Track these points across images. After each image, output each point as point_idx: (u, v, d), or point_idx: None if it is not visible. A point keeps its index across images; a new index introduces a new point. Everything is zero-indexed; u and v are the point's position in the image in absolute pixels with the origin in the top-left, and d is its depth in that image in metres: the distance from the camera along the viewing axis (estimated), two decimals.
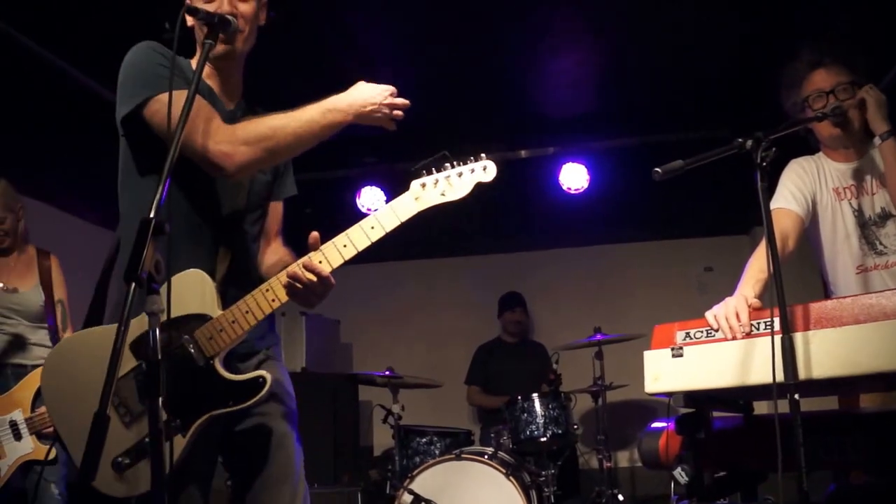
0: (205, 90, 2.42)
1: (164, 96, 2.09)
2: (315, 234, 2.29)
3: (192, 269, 2.31)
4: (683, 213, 7.37)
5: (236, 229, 2.46)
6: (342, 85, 2.48)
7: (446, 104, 5.84)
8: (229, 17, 2.28)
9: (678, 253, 8.02)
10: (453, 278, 8.25)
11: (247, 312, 2.27)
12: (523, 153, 6.91)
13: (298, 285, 2.25)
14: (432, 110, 5.97)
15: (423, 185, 2.31)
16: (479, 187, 2.33)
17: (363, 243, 2.28)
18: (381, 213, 2.31)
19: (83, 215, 6.71)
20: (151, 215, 1.63)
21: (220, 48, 2.33)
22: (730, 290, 2.69)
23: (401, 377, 5.47)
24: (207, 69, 2.43)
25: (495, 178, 2.32)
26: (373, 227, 2.28)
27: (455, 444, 5.26)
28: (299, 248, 2.43)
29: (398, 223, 2.30)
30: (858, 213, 3.12)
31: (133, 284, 1.47)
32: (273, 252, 2.66)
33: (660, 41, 5.18)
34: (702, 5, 4.75)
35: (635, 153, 6.59)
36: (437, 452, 5.16)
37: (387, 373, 5.46)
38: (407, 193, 2.32)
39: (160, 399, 1.46)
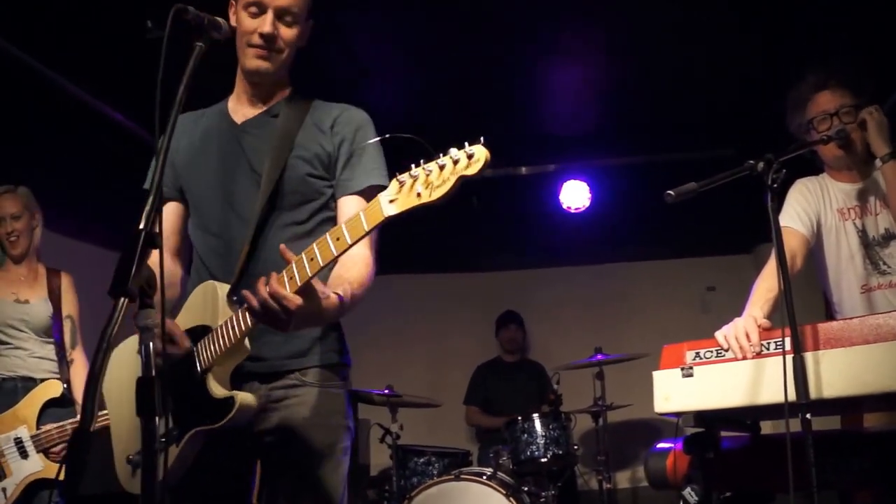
0: (215, 114, 2.50)
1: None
2: (282, 246, 2.04)
3: (210, 281, 2.28)
4: (685, 232, 7.35)
5: (263, 231, 2.32)
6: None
7: (447, 117, 5.82)
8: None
9: (680, 272, 7.98)
10: (453, 296, 8.20)
11: (232, 327, 2.12)
12: (524, 170, 6.89)
13: (254, 312, 2.00)
14: (432, 124, 5.95)
15: (401, 185, 1.84)
16: (464, 182, 1.79)
17: (328, 257, 1.94)
18: (350, 220, 1.93)
19: (89, 239, 6.63)
20: (141, 226, 1.52)
21: (253, 63, 2.33)
22: (733, 309, 2.69)
23: (400, 396, 5.42)
24: (239, 83, 2.47)
25: (481, 171, 1.76)
26: (338, 239, 1.93)
27: (453, 464, 5.20)
28: None
29: (363, 233, 1.91)
30: (862, 233, 3.14)
31: (123, 299, 1.38)
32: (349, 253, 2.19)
33: (663, 60, 5.19)
34: (705, 25, 4.76)
35: (637, 172, 6.57)
36: (434, 473, 5.10)
37: (386, 391, 5.40)
38: (382, 195, 1.88)
39: (157, 416, 1.39)
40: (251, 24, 2.30)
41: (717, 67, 5.26)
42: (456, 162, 1.76)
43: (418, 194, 1.79)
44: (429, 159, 1.81)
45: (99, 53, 4.51)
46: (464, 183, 1.80)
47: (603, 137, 6.33)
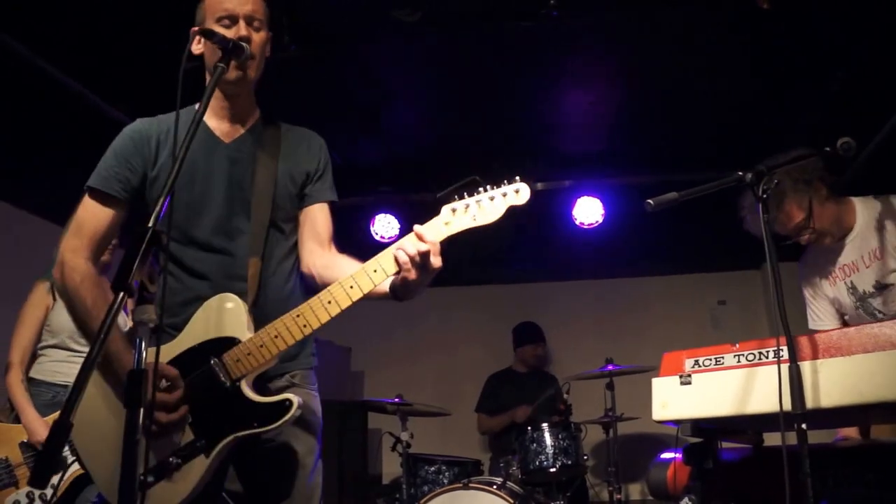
0: (201, 134, 2.54)
1: (94, 194, 2.44)
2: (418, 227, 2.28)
3: (226, 293, 2.38)
4: (696, 248, 7.35)
5: (263, 247, 2.49)
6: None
7: (463, 136, 5.87)
8: (243, 44, 2.38)
9: (691, 287, 7.96)
10: (465, 308, 8.22)
11: (276, 337, 2.27)
12: (539, 185, 6.90)
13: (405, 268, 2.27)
14: (449, 142, 6.00)
15: (454, 211, 2.25)
16: (511, 211, 2.26)
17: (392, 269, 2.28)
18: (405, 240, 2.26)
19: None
20: (149, 225, 1.61)
21: (233, 73, 2.43)
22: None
23: (410, 404, 5.43)
24: (214, 100, 2.54)
25: (528, 202, 2.24)
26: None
27: (463, 473, 5.21)
28: None
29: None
30: (853, 289, 3.30)
31: (122, 293, 1.44)
32: (330, 259, 2.56)
33: (676, 81, 5.20)
34: (719, 48, 4.76)
35: (649, 190, 6.55)
36: (445, 481, 5.11)
37: (396, 400, 5.41)
38: (437, 218, 2.27)
39: (140, 410, 1.42)
40: (226, 34, 2.41)
41: (729, 89, 5.27)
42: (505, 195, 2.25)
43: (473, 218, 2.25)
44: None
45: (106, 54, 4.57)
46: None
47: (616, 155, 6.34)
